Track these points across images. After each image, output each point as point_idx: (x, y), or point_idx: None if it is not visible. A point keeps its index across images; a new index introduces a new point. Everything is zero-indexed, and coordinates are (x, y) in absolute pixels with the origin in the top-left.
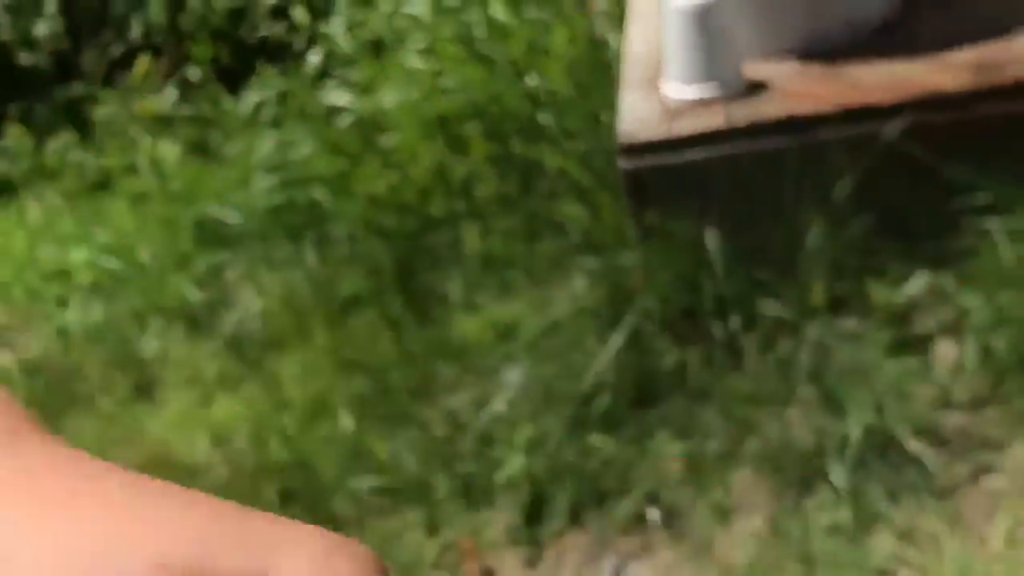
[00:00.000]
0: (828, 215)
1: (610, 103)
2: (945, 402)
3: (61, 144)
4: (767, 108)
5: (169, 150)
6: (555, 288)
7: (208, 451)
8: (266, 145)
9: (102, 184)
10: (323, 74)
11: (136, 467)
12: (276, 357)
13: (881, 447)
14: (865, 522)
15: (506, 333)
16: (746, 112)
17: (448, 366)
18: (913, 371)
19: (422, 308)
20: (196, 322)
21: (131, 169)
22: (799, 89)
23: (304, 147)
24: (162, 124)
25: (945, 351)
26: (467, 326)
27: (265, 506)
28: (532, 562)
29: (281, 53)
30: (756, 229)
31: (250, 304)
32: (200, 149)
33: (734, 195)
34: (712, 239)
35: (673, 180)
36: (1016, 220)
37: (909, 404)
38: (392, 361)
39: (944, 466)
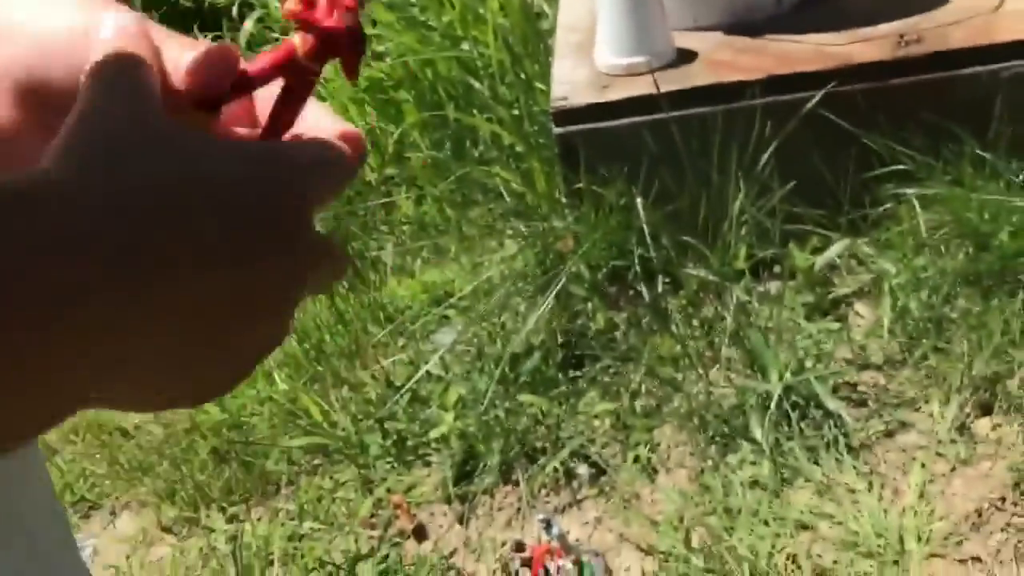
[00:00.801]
0: (752, 181)
1: (544, 72)
2: (862, 362)
3: None
4: (695, 77)
5: None
6: (487, 252)
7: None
8: None
9: None
10: (259, 40)
11: (71, 427)
12: None
13: (801, 406)
14: (785, 477)
15: (439, 297)
16: (675, 80)
17: (381, 329)
18: (832, 332)
19: (356, 273)
20: None
21: None
22: (726, 59)
23: None
24: None
25: (863, 313)
26: (400, 290)
27: (200, 465)
28: (463, 518)
29: (216, 18)
30: (683, 194)
31: None
32: None
33: (662, 161)
34: (640, 204)
35: (604, 146)
36: (930, 187)
37: (828, 364)
38: (326, 324)
39: (861, 423)
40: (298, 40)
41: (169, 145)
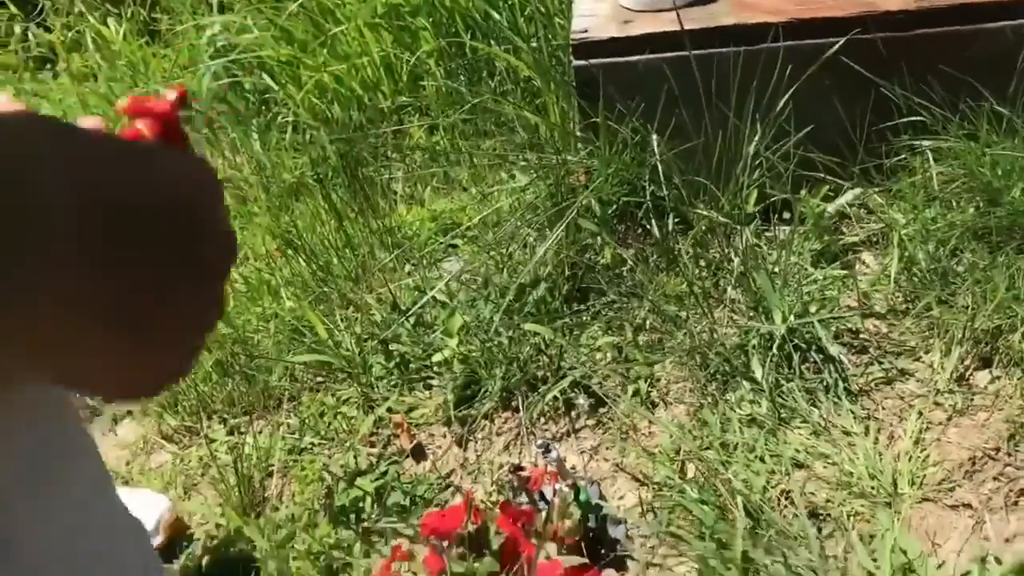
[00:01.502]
0: (768, 124)
1: (564, 6)
2: (866, 310)
3: (5, 17)
4: (719, 17)
5: (115, 30)
6: (498, 184)
7: None
8: (214, 28)
9: (46, 60)
10: None
11: None
12: None
13: (803, 349)
14: (783, 417)
15: (447, 226)
16: (698, 19)
17: (388, 254)
18: (838, 279)
19: (366, 198)
20: None
21: (76, 46)
22: (750, 0)
23: (253, 32)
24: (109, 3)
25: (869, 263)
26: (409, 217)
27: (203, 376)
28: (462, 440)
29: None
30: (698, 134)
31: None
32: (147, 30)
33: (680, 99)
34: (655, 141)
35: (622, 81)
36: (945, 140)
37: (832, 310)
38: (334, 247)
39: (861, 369)
40: (141, 125)
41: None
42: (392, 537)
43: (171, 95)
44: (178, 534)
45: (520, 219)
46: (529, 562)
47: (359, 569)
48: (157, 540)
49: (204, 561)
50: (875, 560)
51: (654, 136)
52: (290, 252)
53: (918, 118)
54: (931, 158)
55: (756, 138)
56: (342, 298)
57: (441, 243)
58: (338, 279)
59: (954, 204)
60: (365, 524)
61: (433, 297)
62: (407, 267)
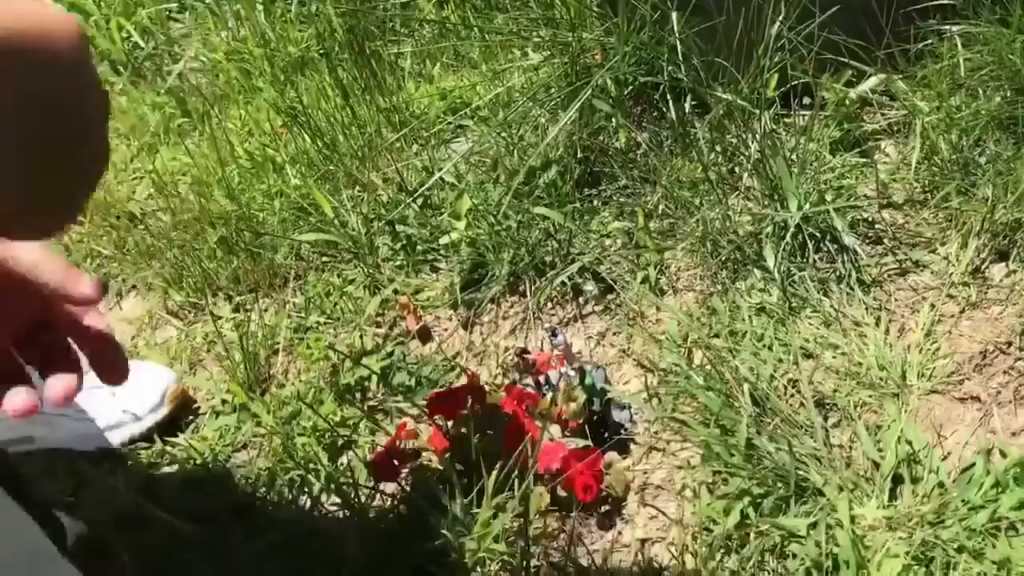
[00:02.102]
0: (792, 3)
1: None
2: (884, 200)
3: None
4: None
5: None
6: (510, 61)
7: (151, 198)
8: None
9: None
10: None
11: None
12: (222, 111)
13: (817, 238)
14: (793, 306)
15: (456, 105)
16: None
17: (396, 133)
18: (856, 168)
19: (373, 74)
20: (141, 72)
21: None
22: None
23: None
24: None
25: (889, 153)
26: (417, 95)
27: (208, 253)
28: (468, 323)
29: None
30: (720, 12)
31: (198, 57)
32: None
33: None
34: (675, 19)
35: None
36: (976, 25)
37: (849, 199)
38: (340, 124)
39: (875, 260)
40: None
41: None
42: (397, 416)
43: None
44: (184, 408)
45: (532, 99)
46: (533, 443)
47: (364, 447)
48: (162, 412)
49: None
50: (880, 450)
51: (674, 13)
52: (295, 128)
53: (947, 1)
54: (959, 43)
55: (780, 18)
56: (348, 177)
57: (450, 123)
58: (344, 157)
59: (980, 93)
60: (370, 403)
61: (441, 178)
62: (414, 147)
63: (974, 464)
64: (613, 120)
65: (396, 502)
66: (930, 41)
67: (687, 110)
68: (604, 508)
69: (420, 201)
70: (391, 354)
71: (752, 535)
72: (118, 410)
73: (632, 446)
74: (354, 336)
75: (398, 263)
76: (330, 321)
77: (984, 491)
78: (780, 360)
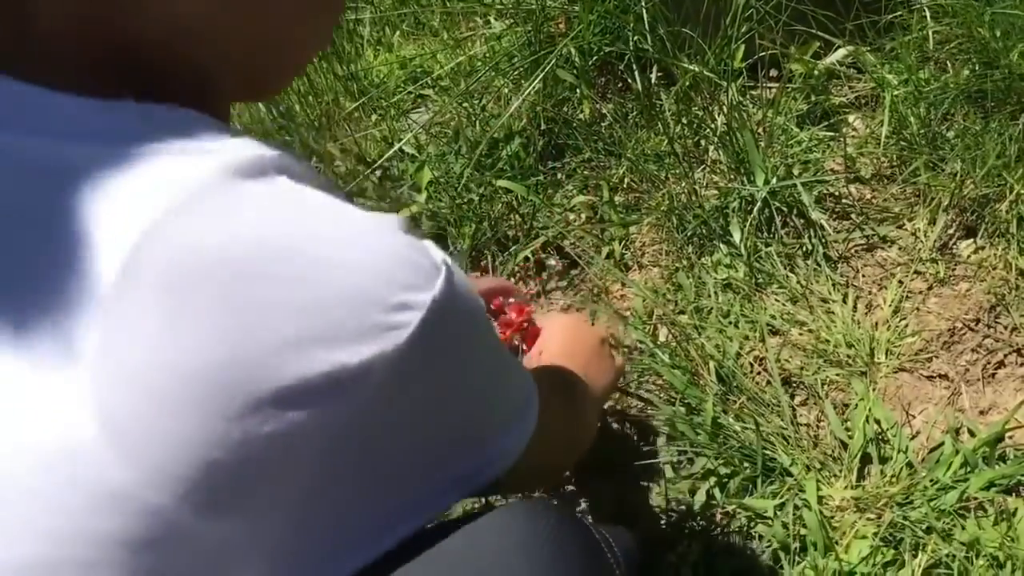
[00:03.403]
0: None
1: None
2: (852, 174)
3: None
4: None
5: None
6: (472, 30)
7: None
8: None
9: None
10: None
11: None
12: None
13: (784, 212)
14: (760, 282)
15: (417, 74)
16: None
17: (354, 102)
18: (823, 142)
19: (330, 43)
20: None
21: None
22: None
23: None
24: None
25: (857, 127)
26: (376, 63)
27: None
28: None
29: None
30: None
31: None
32: None
33: None
34: None
35: None
36: None
37: (816, 173)
38: (296, 92)
39: (842, 236)
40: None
41: None
42: None
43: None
44: None
45: (495, 69)
46: None
47: None
48: None
49: None
50: (848, 430)
51: None
52: None
53: None
54: (928, 15)
55: None
56: (304, 147)
57: (410, 92)
58: (300, 127)
59: (949, 66)
60: None
61: (401, 149)
62: (373, 117)
63: (943, 443)
64: (577, 91)
65: None
66: (899, 13)
67: (653, 81)
68: (569, 488)
69: (379, 173)
70: None
71: (719, 516)
72: None
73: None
74: None
75: None
76: None
77: (953, 471)
78: (746, 337)
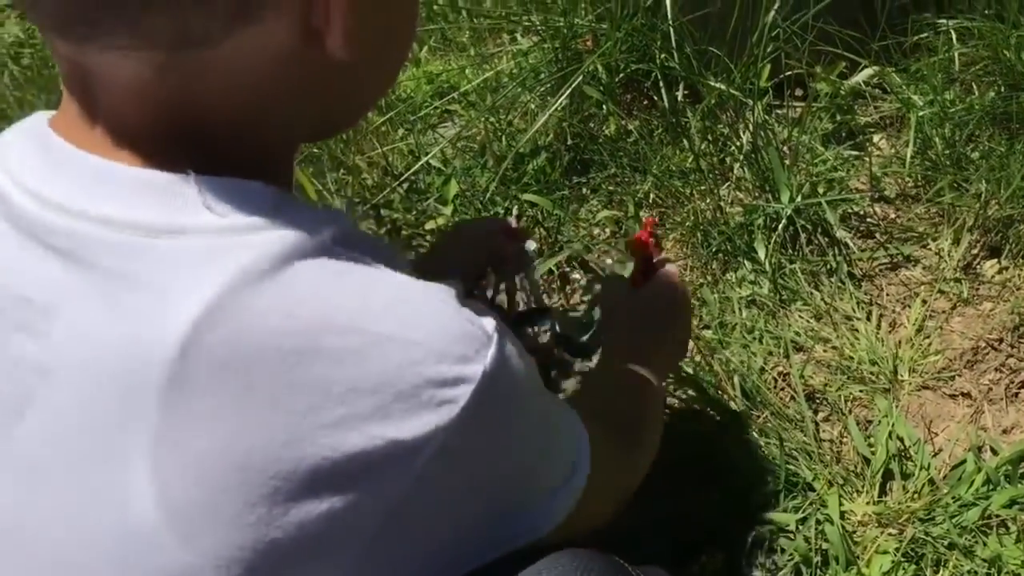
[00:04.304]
0: None
1: None
2: (876, 193)
3: None
4: None
5: None
6: (499, 47)
7: None
8: None
9: None
10: None
11: None
12: None
13: (808, 230)
14: (784, 299)
15: (444, 90)
16: None
17: (382, 116)
18: (848, 161)
19: None
20: None
21: None
22: None
23: None
24: None
25: (882, 146)
26: (404, 78)
27: None
28: None
29: None
30: (714, 2)
31: None
32: None
33: None
34: (669, 5)
35: None
36: (971, 19)
37: (840, 192)
38: None
39: (867, 254)
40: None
41: None
42: None
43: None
44: None
45: (521, 84)
46: None
47: None
48: None
49: None
50: (871, 446)
51: (667, 0)
52: None
53: None
54: (954, 37)
55: (775, 7)
56: (333, 160)
57: (437, 107)
58: (329, 140)
59: (974, 87)
60: None
61: (428, 163)
62: (400, 131)
63: (965, 461)
64: (604, 107)
65: None
66: (925, 34)
67: (679, 99)
68: None
69: (406, 186)
70: None
71: (741, 529)
72: None
73: None
74: None
75: None
76: None
77: (975, 488)
78: (770, 353)
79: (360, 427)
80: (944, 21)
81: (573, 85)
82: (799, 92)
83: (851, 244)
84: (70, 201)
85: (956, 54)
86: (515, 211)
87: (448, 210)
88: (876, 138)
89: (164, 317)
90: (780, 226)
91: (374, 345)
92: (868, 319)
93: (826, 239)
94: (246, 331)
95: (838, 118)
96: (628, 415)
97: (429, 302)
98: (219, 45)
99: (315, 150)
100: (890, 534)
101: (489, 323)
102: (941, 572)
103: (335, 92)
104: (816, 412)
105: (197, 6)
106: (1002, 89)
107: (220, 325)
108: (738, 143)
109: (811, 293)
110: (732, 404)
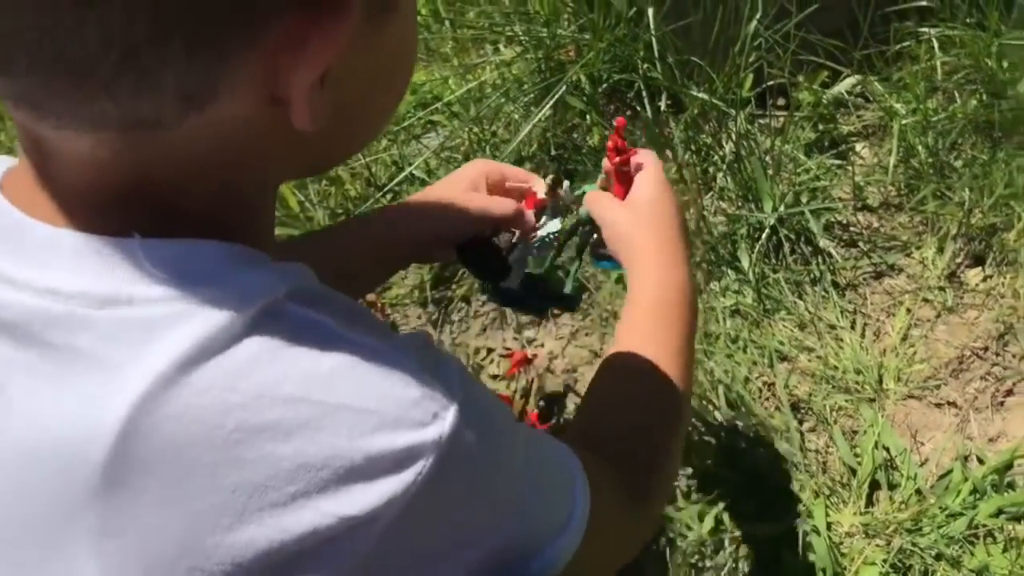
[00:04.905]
0: (768, 3)
1: None
2: (860, 202)
3: None
4: None
5: None
6: (482, 57)
7: None
8: None
9: None
10: None
11: None
12: None
13: (792, 240)
14: (768, 308)
15: (427, 100)
16: None
17: None
18: (831, 170)
19: None
20: None
21: None
22: None
23: None
24: None
25: (864, 155)
26: None
27: None
28: (438, 322)
29: None
30: (697, 10)
31: None
32: None
33: None
34: (651, 15)
35: None
36: (952, 28)
37: (824, 201)
38: None
39: (850, 263)
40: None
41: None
42: None
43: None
44: None
45: (505, 95)
46: None
47: None
48: None
49: None
50: (857, 456)
51: (650, 10)
52: None
53: (925, 3)
54: (936, 46)
55: (756, 16)
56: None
57: (420, 118)
58: None
59: (957, 96)
60: None
61: (411, 174)
62: (384, 141)
63: (951, 471)
64: (587, 117)
65: None
66: (907, 43)
67: (662, 109)
68: None
69: (389, 196)
70: None
71: (727, 541)
72: None
73: None
74: None
75: None
76: None
77: (962, 498)
78: (755, 363)
79: (312, 504)
80: (926, 30)
81: (556, 95)
82: (782, 101)
83: (835, 253)
84: (16, 271)
85: (938, 63)
86: (550, 177)
87: None
88: (859, 147)
89: (104, 399)
90: (763, 235)
91: (324, 416)
92: (852, 328)
93: (809, 248)
94: (188, 410)
95: (821, 127)
96: (639, 436)
97: (385, 364)
98: (173, 128)
99: None
100: (877, 545)
101: (453, 375)
102: None
103: (317, 145)
104: (801, 422)
105: (143, 94)
106: (984, 97)
107: (161, 406)
108: (721, 153)
109: (795, 302)
110: (717, 415)
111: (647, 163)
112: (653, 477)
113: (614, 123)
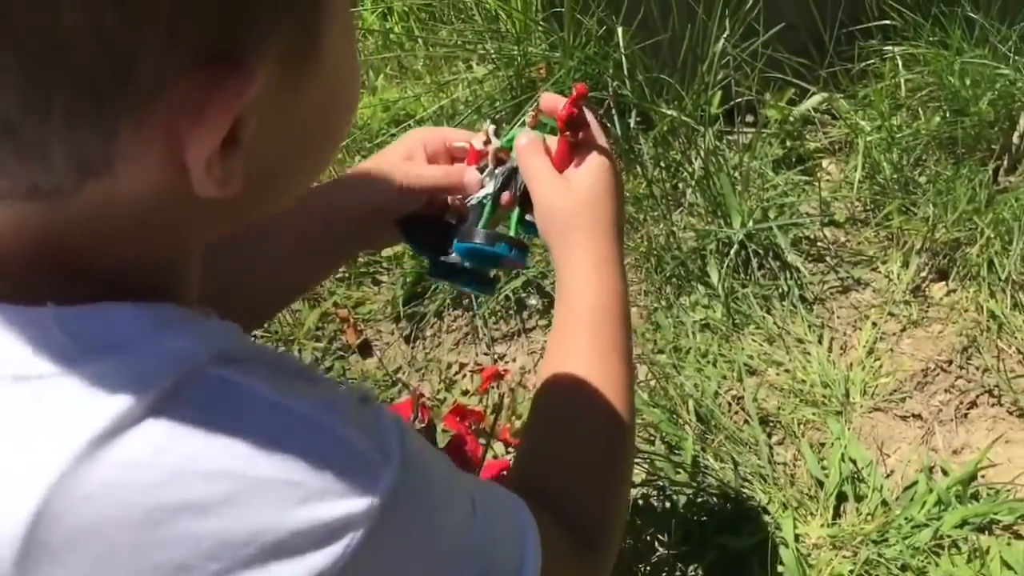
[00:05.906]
0: (737, 21)
1: None
2: (826, 218)
3: None
4: None
5: None
6: (454, 74)
7: None
8: None
9: None
10: None
11: None
12: None
13: (760, 255)
14: (737, 323)
15: (400, 117)
16: None
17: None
18: (798, 186)
19: None
20: None
21: None
22: None
23: None
24: None
25: (831, 171)
26: (361, 106)
27: None
28: (411, 337)
29: None
30: (666, 28)
31: None
32: None
33: None
34: (621, 33)
35: None
36: (916, 46)
37: (791, 217)
38: None
39: (817, 277)
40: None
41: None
42: None
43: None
44: None
45: (477, 111)
46: (476, 460)
47: None
48: None
49: None
50: (824, 468)
51: (619, 28)
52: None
53: (889, 22)
54: (900, 64)
55: (724, 35)
56: None
57: (393, 135)
58: None
59: (920, 113)
60: None
61: None
62: (357, 158)
63: (916, 482)
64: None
65: None
66: (872, 61)
67: (631, 125)
68: None
69: None
70: (330, 369)
71: (696, 553)
72: None
73: None
74: (292, 350)
75: (338, 275)
76: (267, 334)
77: (927, 509)
78: (724, 377)
79: None
80: (890, 48)
81: (527, 112)
82: (750, 118)
83: (802, 268)
84: None
85: (902, 80)
86: (489, 125)
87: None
88: (825, 163)
89: (15, 487)
90: (732, 251)
91: (247, 490)
92: (820, 342)
93: (778, 263)
94: (104, 491)
95: (788, 144)
96: (585, 479)
97: (315, 432)
98: (76, 195)
99: None
100: (844, 556)
101: (391, 433)
102: None
103: (238, 208)
104: (770, 435)
105: (31, 165)
106: (947, 114)
107: (73, 490)
108: (690, 169)
109: (763, 317)
110: (687, 428)
111: (599, 144)
112: (603, 519)
113: (573, 88)
